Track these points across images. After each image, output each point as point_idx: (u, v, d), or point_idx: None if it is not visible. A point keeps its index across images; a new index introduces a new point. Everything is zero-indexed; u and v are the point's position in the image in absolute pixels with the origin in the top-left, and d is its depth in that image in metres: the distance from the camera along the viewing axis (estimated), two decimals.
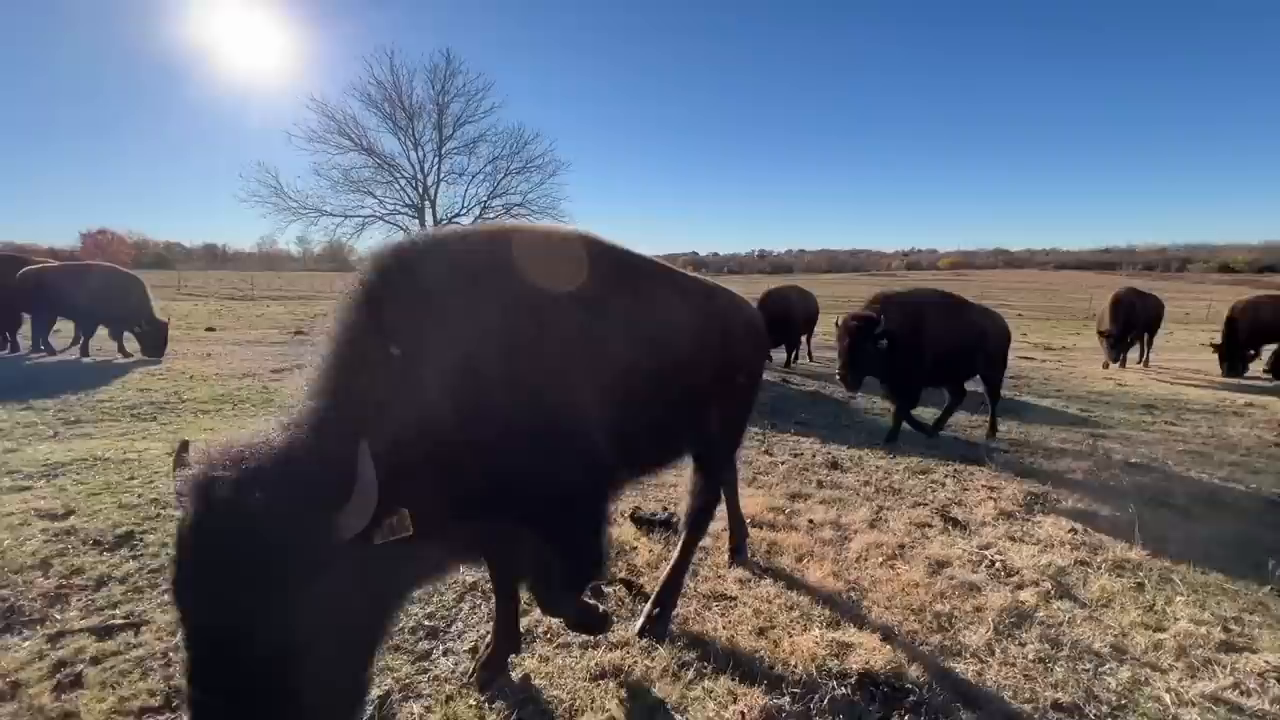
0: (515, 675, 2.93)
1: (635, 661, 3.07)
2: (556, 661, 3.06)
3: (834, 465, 6.56)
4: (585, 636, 3.26)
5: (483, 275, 2.34)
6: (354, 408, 1.90)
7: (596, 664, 3.03)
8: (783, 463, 6.62)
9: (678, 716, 2.71)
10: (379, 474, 1.65)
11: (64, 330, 13.33)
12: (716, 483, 3.90)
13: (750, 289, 11.46)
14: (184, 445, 1.73)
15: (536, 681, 2.89)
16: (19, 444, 6.12)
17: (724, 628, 3.42)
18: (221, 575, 1.48)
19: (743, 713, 2.73)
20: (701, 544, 4.38)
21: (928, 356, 7.29)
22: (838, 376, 7.48)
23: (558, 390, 2.37)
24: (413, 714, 2.63)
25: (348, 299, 2.16)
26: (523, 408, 2.22)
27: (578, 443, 2.41)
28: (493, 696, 2.77)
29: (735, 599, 3.75)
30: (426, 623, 3.31)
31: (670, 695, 2.84)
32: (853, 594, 3.89)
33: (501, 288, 2.34)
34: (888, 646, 3.30)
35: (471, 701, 2.73)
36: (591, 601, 3.08)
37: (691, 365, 3.23)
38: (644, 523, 4.67)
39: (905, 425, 7.69)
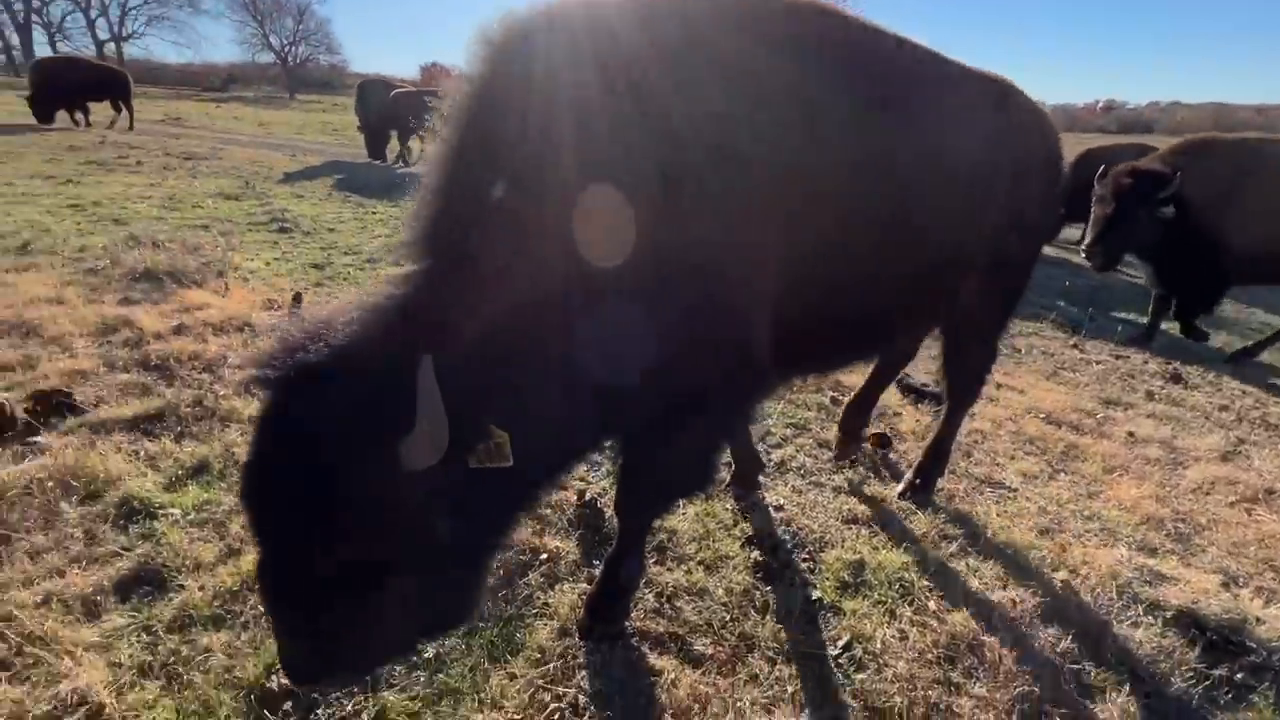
0: (769, 497, 3.05)
1: (891, 519, 2.95)
2: (809, 496, 3.09)
3: (1175, 379, 5.17)
4: (838, 479, 3.23)
5: (635, 60, 1.62)
6: (435, 289, 1.47)
7: (849, 510, 2.99)
8: (1098, 363, 5.42)
9: (935, 581, 2.58)
10: (466, 383, 1.36)
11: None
12: (984, 351, 3.13)
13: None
14: (297, 297, 1.73)
15: (788, 509, 2.98)
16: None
17: (998, 516, 3.07)
18: (276, 500, 1.33)
19: (1014, 600, 2.49)
20: (979, 428, 3.92)
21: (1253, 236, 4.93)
22: (1083, 252, 5.59)
23: (731, 256, 1.76)
24: (679, 508, 2.93)
25: (451, 106, 1.63)
26: (674, 281, 1.65)
27: (735, 340, 1.86)
28: (748, 508, 2.93)
29: (1016, 491, 3.32)
30: None
31: (927, 559, 2.70)
32: (1180, 525, 3.16)
33: (660, 81, 1.63)
34: (1225, 594, 2.66)
35: (729, 506, 2.93)
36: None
37: (955, 216, 2.37)
38: (912, 391, 4.30)
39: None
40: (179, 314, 4.31)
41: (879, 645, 2.26)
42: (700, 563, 2.57)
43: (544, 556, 2.49)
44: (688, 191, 1.66)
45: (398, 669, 1.98)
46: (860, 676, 2.13)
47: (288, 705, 1.86)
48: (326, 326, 1.40)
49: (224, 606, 2.14)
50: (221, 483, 2.77)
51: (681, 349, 1.75)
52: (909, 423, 3.90)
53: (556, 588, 2.37)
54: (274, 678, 1.91)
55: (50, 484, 2.55)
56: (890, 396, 4.25)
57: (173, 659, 1.95)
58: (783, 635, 2.26)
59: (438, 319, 1.43)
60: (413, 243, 1.56)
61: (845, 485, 3.19)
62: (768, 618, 2.33)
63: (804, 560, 2.62)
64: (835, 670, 2.15)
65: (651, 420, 1.89)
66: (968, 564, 2.71)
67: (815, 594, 2.46)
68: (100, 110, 16.82)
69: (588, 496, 2.78)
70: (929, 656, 2.23)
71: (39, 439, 2.85)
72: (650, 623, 2.26)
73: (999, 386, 4.61)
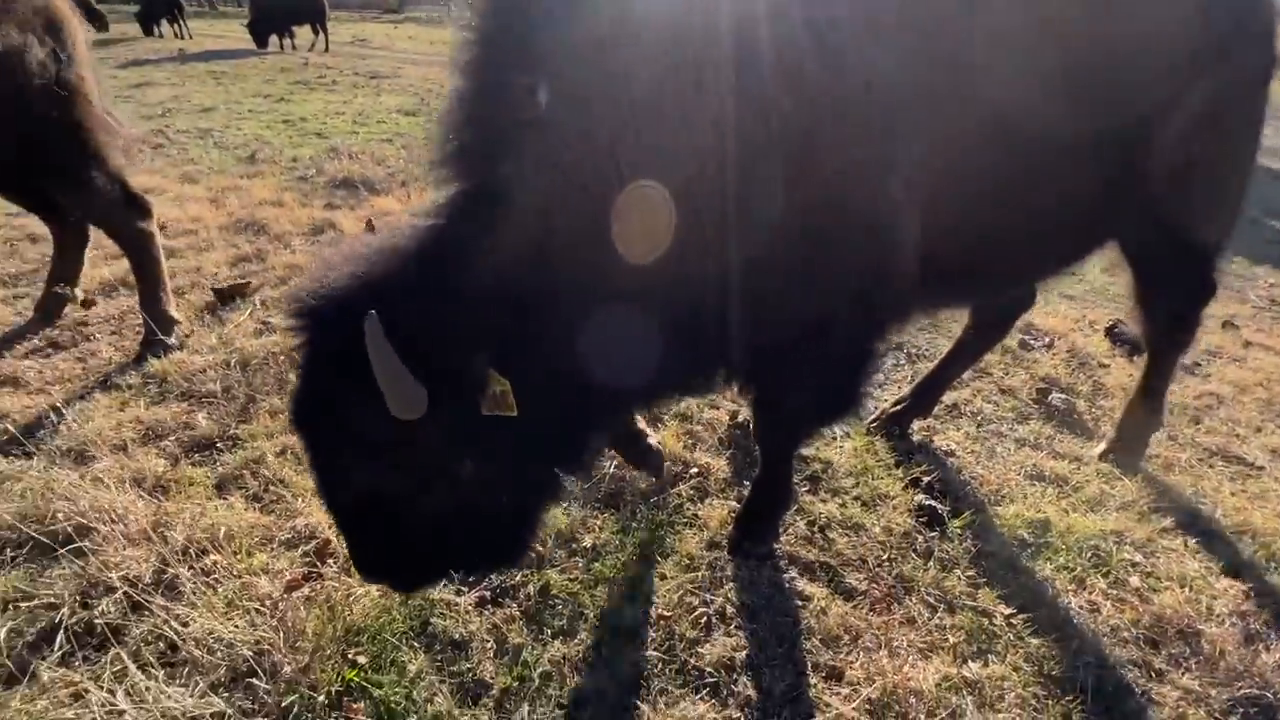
0: (939, 442, 2.79)
1: (1088, 480, 2.58)
2: (986, 445, 2.79)
3: None
4: (1022, 430, 2.87)
5: None
6: (458, 223, 1.35)
7: (1035, 465, 2.66)
8: None
9: (1139, 556, 2.24)
10: (482, 326, 1.28)
11: None
12: (1186, 279, 2.44)
13: None
14: (369, 224, 1.59)
15: (960, 455, 2.71)
16: None
17: (1232, 495, 2.57)
18: (308, 427, 1.40)
19: (1246, 592, 2.09)
20: (1214, 390, 3.26)
21: None
22: None
23: (858, 162, 1.49)
24: (833, 432, 2.78)
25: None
26: (790, 194, 1.42)
27: (867, 258, 1.63)
28: (913, 449, 2.72)
29: (1261, 470, 2.75)
30: None
31: (1130, 531, 2.34)
32: None
33: None
34: None
35: (878, 443, 2.73)
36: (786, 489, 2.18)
37: (1128, 98, 1.90)
38: (1123, 341, 3.65)
39: None
40: (372, 217, 4.77)
41: (1061, 614, 2.02)
42: (857, 498, 2.44)
43: (694, 470, 2.50)
44: (806, 92, 1.39)
45: (559, 553, 2.13)
46: (1035, 642, 1.93)
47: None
48: (360, 260, 1.36)
49: None
50: None
51: (800, 272, 1.56)
52: (1117, 377, 3.34)
53: (706, 501, 2.38)
54: None
55: (282, 356, 2.99)
56: (1098, 344, 3.66)
57: None
58: (946, 584, 2.10)
59: (458, 258, 1.31)
60: (440, 164, 1.41)
61: (1031, 438, 2.83)
62: (930, 564, 2.17)
63: (976, 511, 2.39)
64: (1006, 630, 1.97)
65: (774, 351, 1.74)
66: (1184, 543, 2.31)
67: (987, 547, 2.24)
68: (302, 35, 18.65)
69: (740, 418, 2.73)
70: (1124, 635, 1.96)
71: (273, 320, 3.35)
72: (800, 549, 2.21)
73: (1247, 345, 3.79)
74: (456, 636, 1.86)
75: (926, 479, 2.48)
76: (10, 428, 2.58)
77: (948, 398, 3.07)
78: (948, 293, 2.24)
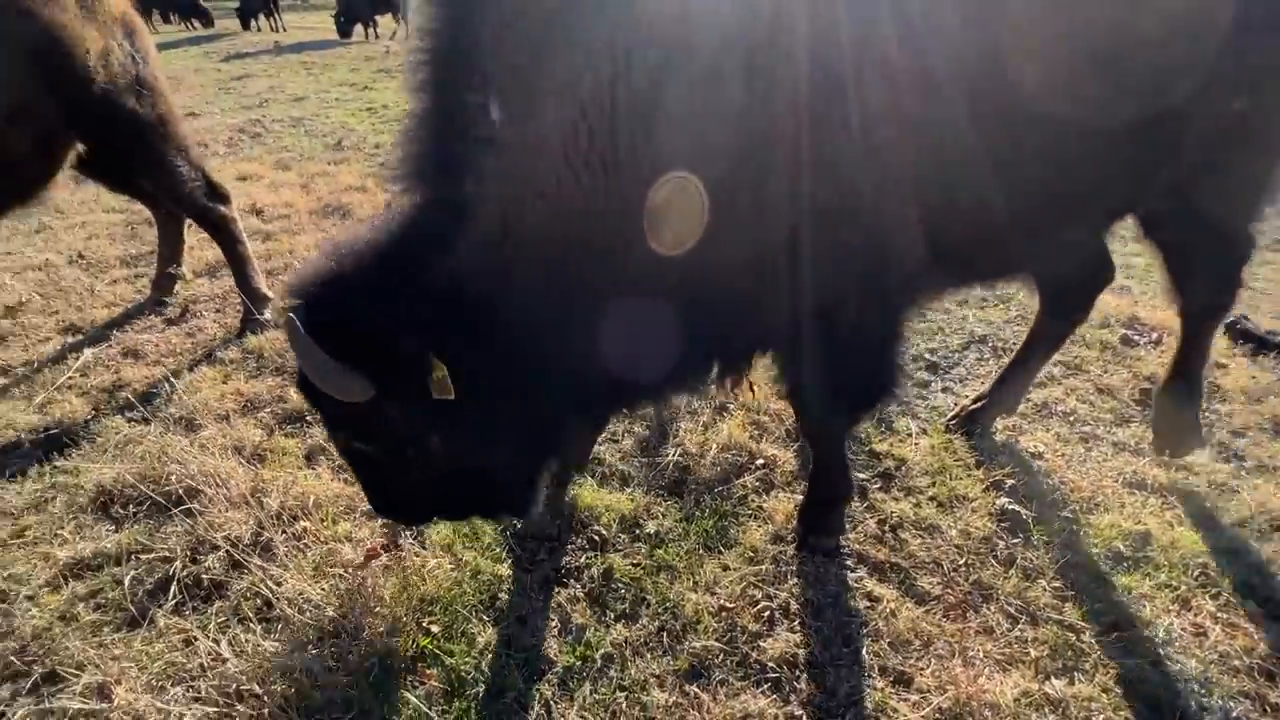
0: (1025, 442, 2.62)
1: (1198, 492, 2.36)
2: (1078, 449, 2.59)
3: None
4: (1121, 434, 2.65)
5: None
6: (421, 231, 1.44)
7: (1135, 472, 2.44)
8: None
9: (1256, 579, 2.03)
10: (426, 331, 1.37)
11: None
12: (1238, 234, 2.22)
13: None
14: None
15: (1049, 458, 2.53)
16: None
17: None
18: (305, 393, 1.55)
19: None
20: None
21: None
22: None
23: (855, 143, 1.45)
24: (908, 428, 2.66)
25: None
26: (781, 180, 1.43)
27: (867, 239, 1.59)
28: (996, 449, 2.56)
29: None
30: (929, 357, 3.19)
31: (1246, 550, 2.12)
32: None
33: None
34: None
35: (956, 441, 2.59)
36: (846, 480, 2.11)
37: (1166, 45, 1.70)
38: (1248, 338, 3.29)
39: None
40: None
41: (1161, 634, 1.87)
42: (932, 498, 2.33)
43: (760, 462, 2.46)
44: (790, 78, 1.36)
45: (623, 537, 2.16)
46: (1129, 662, 1.79)
47: (533, 544, 2.14)
48: (334, 256, 1.47)
49: None
50: None
51: (800, 255, 1.54)
52: (1237, 378, 3.01)
53: (772, 494, 2.34)
54: (520, 522, 2.20)
55: None
56: (1215, 342, 3.31)
57: None
58: (1029, 594, 1.98)
59: (417, 263, 1.41)
60: (402, 177, 1.48)
61: (1132, 443, 2.61)
62: (1011, 572, 2.05)
63: (1065, 518, 2.23)
64: (1095, 648, 1.83)
65: (790, 335, 1.73)
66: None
67: (1076, 558, 2.09)
68: (385, 24, 19.37)
69: None
70: (1235, 664, 1.79)
71: None
72: (870, 548, 2.13)
73: None
74: (522, 613, 1.92)
75: (1010, 482, 2.34)
76: (131, 396, 2.86)
77: (1036, 396, 2.88)
78: (970, 270, 2.13)
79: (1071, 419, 2.76)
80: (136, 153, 3.05)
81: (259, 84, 11.06)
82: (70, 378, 3.02)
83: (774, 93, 1.40)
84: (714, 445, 2.48)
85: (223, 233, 3.37)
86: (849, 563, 2.09)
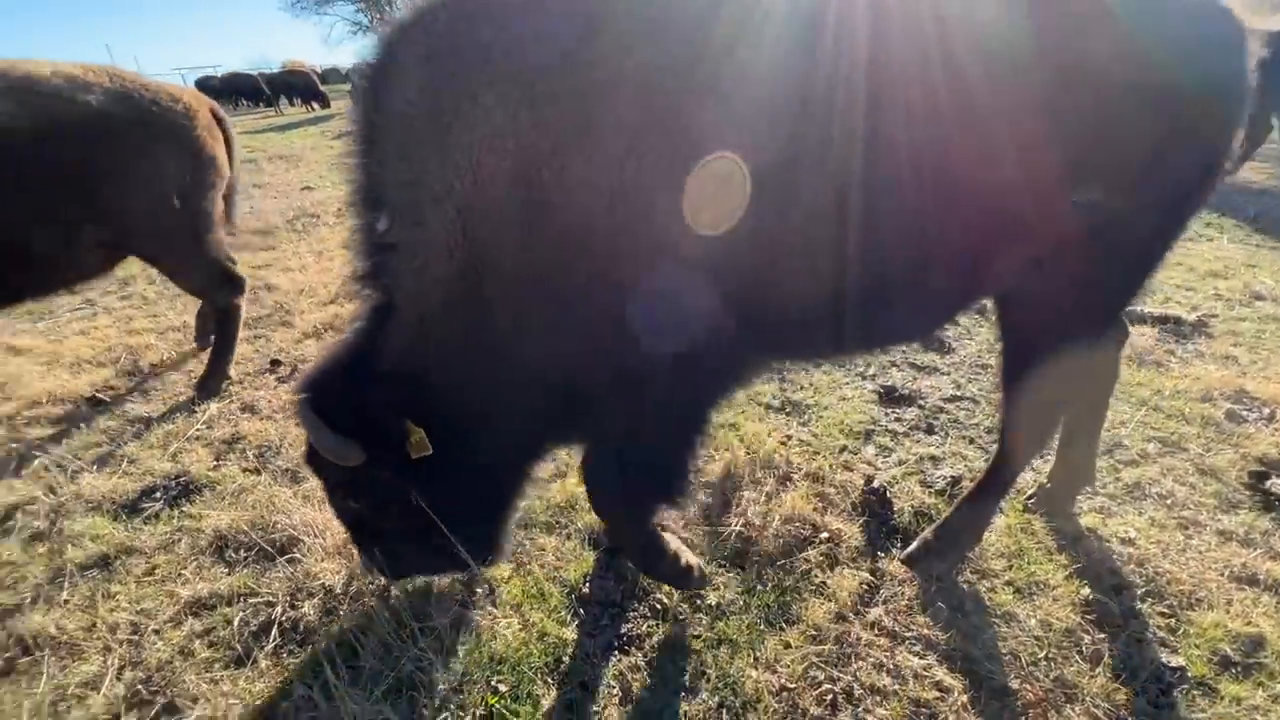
0: (1113, 526, 2.47)
1: None
2: (1177, 536, 2.41)
3: None
4: (1227, 521, 2.44)
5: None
6: (366, 327, 1.81)
7: (1244, 565, 2.25)
8: None
9: None
10: (395, 398, 1.72)
11: None
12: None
13: None
14: None
15: (1142, 545, 2.37)
16: None
17: None
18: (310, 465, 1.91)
19: None
20: None
21: None
22: None
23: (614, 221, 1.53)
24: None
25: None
26: (560, 266, 1.59)
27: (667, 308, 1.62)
28: (1071, 537, 2.43)
29: None
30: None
31: None
32: None
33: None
34: None
35: (1036, 522, 2.47)
36: (676, 551, 2.14)
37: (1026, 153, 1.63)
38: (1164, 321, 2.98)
39: None
40: None
41: None
42: (1009, 583, 2.23)
43: (824, 535, 2.45)
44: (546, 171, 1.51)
45: (684, 607, 2.19)
46: None
47: (597, 609, 2.21)
48: (329, 356, 1.85)
49: (554, 517, 2.61)
50: None
51: (588, 340, 1.67)
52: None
53: (836, 570, 2.32)
54: (588, 583, 2.29)
55: None
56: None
57: (519, 550, 2.47)
58: (1119, 698, 1.84)
59: (370, 353, 1.77)
60: (353, 283, 1.81)
61: (1240, 532, 2.41)
62: (1099, 670, 1.92)
63: (1161, 615, 2.08)
64: None
65: (593, 416, 1.85)
66: None
67: (1176, 661, 1.94)
68: None
69: (876, 483, 2.63)
70: None
71: None
72: (939, 634, 2.06)
73: None
74: (585, 679, 1.98)
75: (1096, 570, 2.21)
76: (247, 448, 3.20)
77: (1128, 475, 2.71)
78: (789, 352, 2.11)
79: (1169, 502, 2.58)
80: (161, 257, 3.66)
81: None
82: (197, 430, 3.41)
83: (576, 190, 1.52)
84: (777, 516, 2.49)
85: (225, 317, 3.91)
86: (917, 648, 2.03)
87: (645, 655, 2.05)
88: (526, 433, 1.89)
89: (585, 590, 2.27)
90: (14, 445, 3.35)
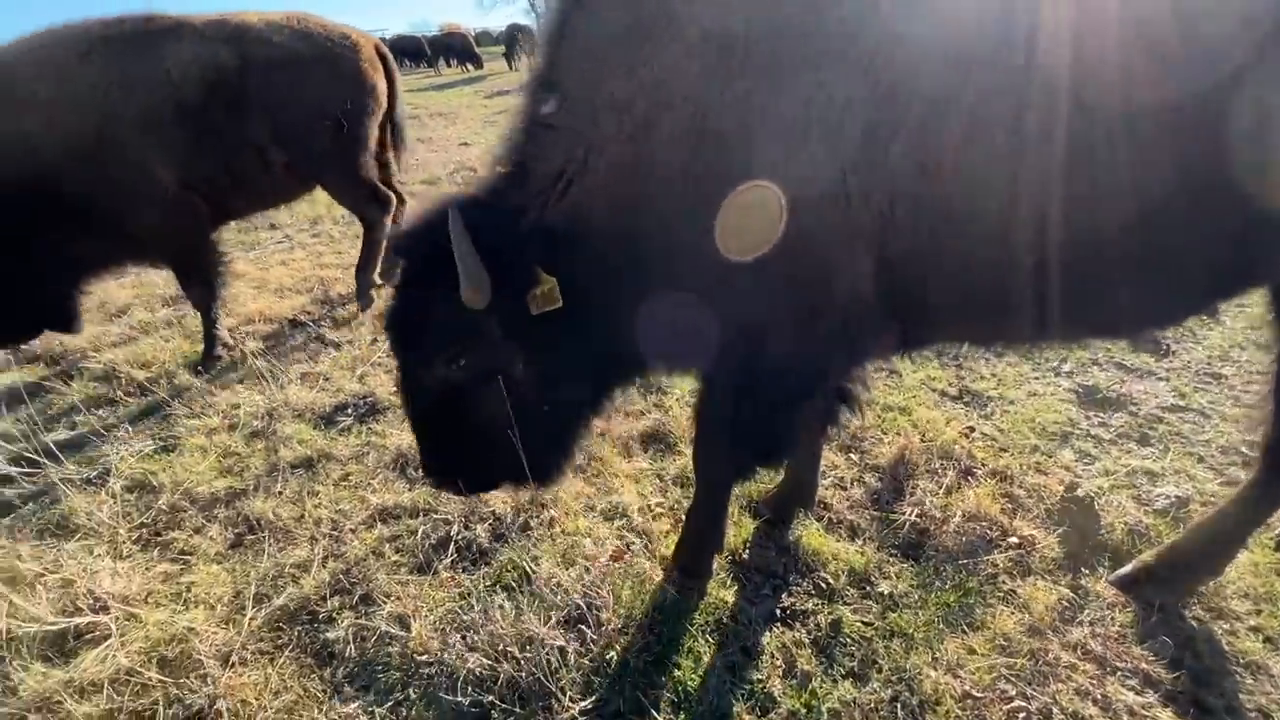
0: None
1: None
2: None
3: None
4: None
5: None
6: (500, 187, 1.76)
7: None
8: None
9: None
10: (530, 248, 1.64)
11: None
12: None
13: None
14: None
15: None
16: None
17: None
18: (395, 327, 1.79)
19: None
20: None
21: None
22: None
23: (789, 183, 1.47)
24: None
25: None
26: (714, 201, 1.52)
27: (804, 282, 1.58)
28: None
29: None
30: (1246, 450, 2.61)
31: None
32: None
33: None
34: None
35: None
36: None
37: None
38: None
39: None
40: None
41: None
42: (1254, 629, 1.89)
43: (1013, 540, 2.20)
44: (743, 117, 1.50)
45: (851, 591, 2.07)
46: None
47: (758, 577, 2.15)
48: (446, 200, 1.74)
49: None
50: None
51: (736, 279, 1.58)
52: None
53: (1029, 580, 2.08)
54: (747, 550, 2.23)
55: None
56: None
57: (675, 505, 2.46)
58: None
59: (510, 199, 1.72)
60: (503, 144, 1.83)
61: None
62: None
63: None
64: None
65: (718, 356, 1.75)
66: None
67: None
68: None
69: (1080, 491, 2.32)
70: None
71: None
72: (1163, 671, 1.79)
73: None
74: (747, 644, 1.94)
75: None
76: None
77: None
78: (952, 331, 1.90)
79: None
80: (323, 174, 4.11)
81: None
82: (378, 357, 3.74)
83: (752, 123, 1.51)
84: (958, 512, 2.28)
85: (370, 231, 4.33)
86: (1133, 682, 1.77)
87: (810, 633, 1.97)
88: (632, 349, 1.80)
89: (744, 557, 2.22)
90: (234, 354, 3.85)
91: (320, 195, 6.35)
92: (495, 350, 1.71)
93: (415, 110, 14.86)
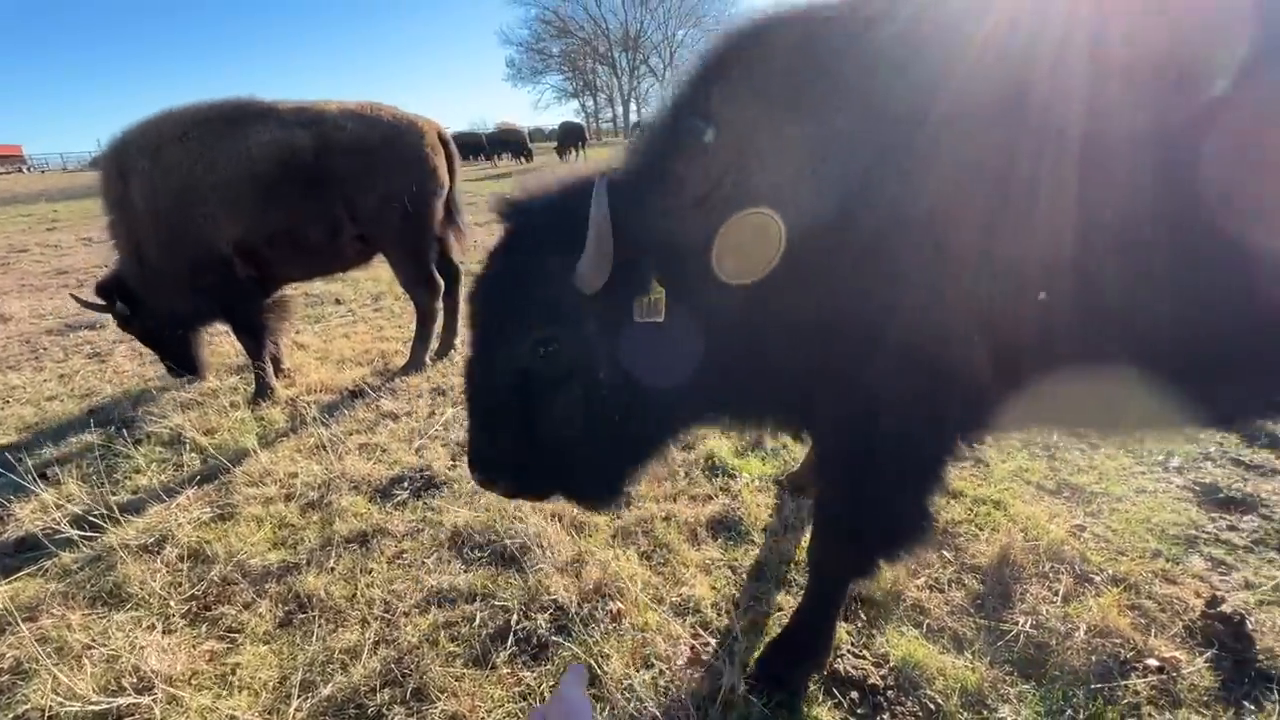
0: None
1: None
2: None
3: None
4: None
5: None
6: (634, 177, 1.65)
7: None
8: None
9: None
10: (658, 249, 1.54)
11: None
12: None
13: None
14: None
15: None
16: None
17: None
18: (485, 310, 1.67)
19: None
20: None
21: None
22: None
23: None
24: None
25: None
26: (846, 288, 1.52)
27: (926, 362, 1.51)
28: None
29: None
30: None
31: None
32: None
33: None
34: None
35: None
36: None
37: None
38: None
39: None
40: None
41: None
42: None
43: (1151, 663, 1.91)
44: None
45: (964, 715, 1.80)
46: None
47: (854, 695, 1.89)
48: (569, 177, 1.72)
49: (792, 575, 2.36)
50: (775, 459, 3.14)
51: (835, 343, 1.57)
52: None
53: (1178, 714, 1.77)
54: (839, 658, 1.99)
55: None
56: None
57: (753, 602, 2.25)
58: None
59: (643, 196, 1.60)
60: (639, 139, 1.76)
61: None
62: None
63: None
64: None
65: (839, 425, 1.70)
66: None
67: None
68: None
69: (1226, 608, 2.02)
70: None
71: None
72: None
73: None
74: None
75: None
76: None
77: None
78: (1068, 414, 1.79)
79: None
80: (388, 249, 4.45)
81: None
82: (436, 430, 3.70)
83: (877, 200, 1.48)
84: (1081, 625, 2.01)
85: (421, 314, 4.59)
86: None
87: None
88: (728, 392, 1.74)
89: (836, 667, 1.97)
90: (295, 421, 3.88)
91: (383, 273, 6.62)
92: (588, 345, 1.59)
93: (473, 197, 15.81)
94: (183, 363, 4.35)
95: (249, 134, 3.94)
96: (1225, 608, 2.01)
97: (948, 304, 1.48)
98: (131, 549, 2.70)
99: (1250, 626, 1.96)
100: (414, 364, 4.58)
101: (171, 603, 2.38)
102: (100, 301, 4.07)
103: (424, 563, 2.57)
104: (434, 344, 4.80)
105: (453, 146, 4.66)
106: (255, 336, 4.28)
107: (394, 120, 4.31)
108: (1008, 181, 1.42)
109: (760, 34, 1.65)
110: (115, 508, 2.88)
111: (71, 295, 4.60)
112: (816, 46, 1.58)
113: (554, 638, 2.13)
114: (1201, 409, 1.63)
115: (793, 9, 1.66)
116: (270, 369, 4.36)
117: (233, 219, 3.92)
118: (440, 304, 4.66)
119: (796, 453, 3.12)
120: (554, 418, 1.64)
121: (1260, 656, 1.90)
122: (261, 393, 4.22)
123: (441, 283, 4.62)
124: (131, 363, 5.24)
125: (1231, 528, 2.47)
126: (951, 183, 1.45)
